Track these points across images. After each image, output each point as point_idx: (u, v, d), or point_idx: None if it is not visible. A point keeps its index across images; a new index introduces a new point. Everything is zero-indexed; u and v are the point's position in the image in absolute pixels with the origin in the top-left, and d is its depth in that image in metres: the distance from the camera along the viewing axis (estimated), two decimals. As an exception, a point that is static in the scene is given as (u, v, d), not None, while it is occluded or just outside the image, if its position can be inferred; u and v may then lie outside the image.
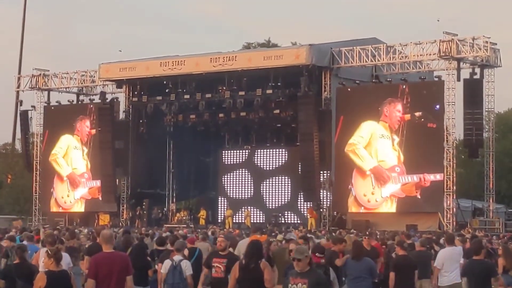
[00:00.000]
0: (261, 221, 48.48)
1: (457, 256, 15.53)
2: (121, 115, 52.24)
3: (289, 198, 50.52)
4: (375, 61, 44.60)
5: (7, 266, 12.34)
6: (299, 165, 46.24)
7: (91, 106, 52.73)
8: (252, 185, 52.09)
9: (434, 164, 41.62)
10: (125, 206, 51.23)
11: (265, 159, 52.13)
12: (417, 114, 41.86)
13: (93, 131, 51.84)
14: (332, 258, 14.57)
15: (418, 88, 42.74)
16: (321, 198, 45.38)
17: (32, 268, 12.34)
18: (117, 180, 51.38)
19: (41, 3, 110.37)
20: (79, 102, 54.81)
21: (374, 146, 43.35)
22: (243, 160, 53.14)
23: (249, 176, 52.41)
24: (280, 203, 50.90)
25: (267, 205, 51.18)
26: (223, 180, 53.57)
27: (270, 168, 51.71)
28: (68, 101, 54.65)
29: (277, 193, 51.25)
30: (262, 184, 51.65)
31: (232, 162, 53.52)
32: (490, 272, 12.68)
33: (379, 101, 43.30)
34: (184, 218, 49.74)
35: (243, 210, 50.72)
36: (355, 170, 43.78)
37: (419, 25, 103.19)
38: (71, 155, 53.29)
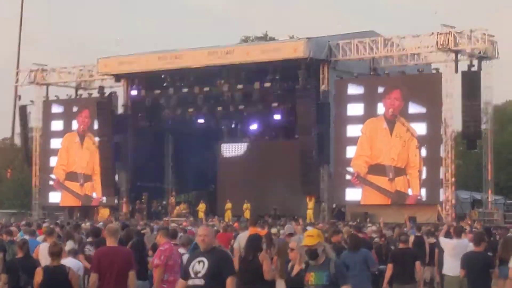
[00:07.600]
0: (260, 214, 48.42)
1: (463, 248, 15.44)
2: (120, 109, 52.30)
3: (288, 191, 50.50)
4: (373, 54, 44.57)
5: (10, 261, 12.41)
6: (298, 158, 46.27)
7: (89, 100, 52.84)
8: (251, 178, 52.07)
9: (432, 155, 41.79)
10: (124, 200, 51.32)
11: (263, 152, 52.13)
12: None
13: (90, 121, 51.99)
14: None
15: (416, 80, 42.82)
16: (320, 191, 45.42)
17: (35, 263, 12.42)
18: (116, 174, 51.43)
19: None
20: (78, 97, 54.89)
21: (373, 138, 43.46)
22: (242, 153, 53.16)
23: (248, 169, 52.41)
24: (279, 196, 50.90)
25: (266, 198, 51.19)
26: (222, 173, 53.60)
27: (269, 161, 51.70)
28: (67, 95, 54.71)
29: (275, 186, 51.23)
30: (261, 177, 51.63)
31: (231, 155, 53.55)
32: (487, 264, 12.64)
33: (377, 94, 43.40)
34: (183, 211, 49.81)
35: (242, 203, 50.72)
36: (353, 163, 43.91)
37: (416, 17, 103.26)
38: (70, 148, 53.34)
